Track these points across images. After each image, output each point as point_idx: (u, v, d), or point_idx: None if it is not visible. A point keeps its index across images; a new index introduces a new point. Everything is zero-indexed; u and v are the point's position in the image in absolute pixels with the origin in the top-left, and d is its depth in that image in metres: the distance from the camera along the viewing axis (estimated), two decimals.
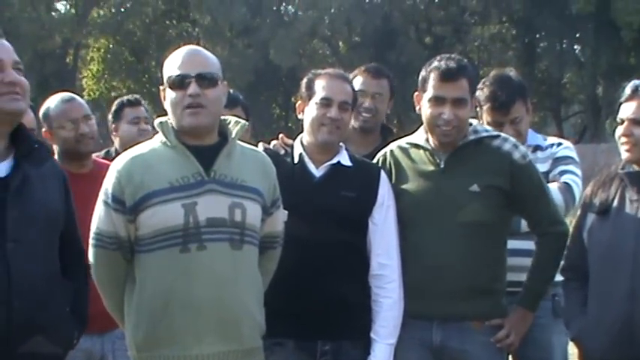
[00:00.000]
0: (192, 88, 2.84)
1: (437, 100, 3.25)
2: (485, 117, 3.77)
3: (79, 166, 3.74)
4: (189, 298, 2.79)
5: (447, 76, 3.24)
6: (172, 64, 2.91)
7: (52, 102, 3.83)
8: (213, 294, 2.80)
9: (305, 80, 3.35)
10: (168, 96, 2.89)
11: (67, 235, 2.74)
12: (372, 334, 3.24)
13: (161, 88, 2.96)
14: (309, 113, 3.28)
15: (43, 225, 2.59)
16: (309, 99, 3.29)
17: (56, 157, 3.67)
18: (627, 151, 3.04)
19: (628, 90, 3.06)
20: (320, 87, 3.27)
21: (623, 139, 3.05)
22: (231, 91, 3.79)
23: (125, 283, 2.93)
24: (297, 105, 3.40)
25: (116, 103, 4.55)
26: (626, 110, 3.04)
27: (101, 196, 2.90)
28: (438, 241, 3.24)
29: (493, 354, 3.28)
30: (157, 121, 2.94)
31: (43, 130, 3.80)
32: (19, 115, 2.58)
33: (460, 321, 3.24)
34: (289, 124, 37.47)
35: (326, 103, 3.23)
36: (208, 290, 2.80)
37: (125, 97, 4.58)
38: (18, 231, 2.49)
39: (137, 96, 4.64)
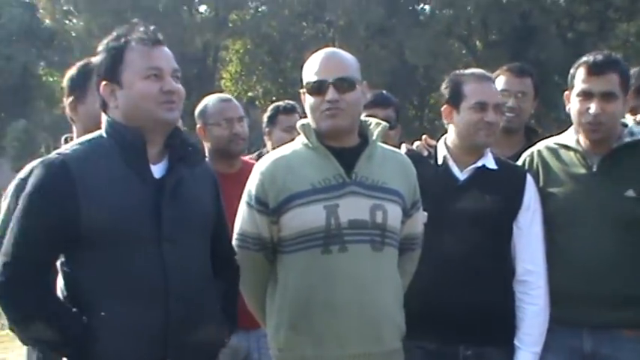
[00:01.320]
0: (330, 93, 2.83)
1: (585, 95, 3.14)
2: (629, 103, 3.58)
3: (228, 165, 3.82)
4: (330, 300, 2.79)
5: (595, 70, 3.11)
6: (310, 70, 2.91)
7: (210, 100, 3.94)
8: (354, 295, 2.79)
9: (448, 84, 3.28)
10: (308, 101, 2.90)
11: (218, 235, 2.78)
12: (516, 342, 3.16)
13: (301, 91, 2.96)
14: (462, 118, 3.21)
15: (196, 225, 2.64)
16: (458, 103, 3.21)
17: (207, 155, 3.75)
18: None
19: None
20: (471, 91, 3.20)
21: None
22: (384, 92, 3.81)
23: (267, 283, 2.95)
24: (442, 109, 3.32)
25: (271, 108, 4.65)
26: None
27: (244, 198, 2.94)
28: (590, 246, 3.12)
29: None
30: (298, 124, 2.96)
31: (198, 126, 3.90)
32: (173, 124, 2.62)
33: (613, 329, 3.12)
34: (424, 124, 37.23)
35: (481, 107, 3.17)
36: (350, 292, 2.79)
37: (281, 104, 4.66)
38: (173, 231, 2.54)
39: (292, 103, 4.70)
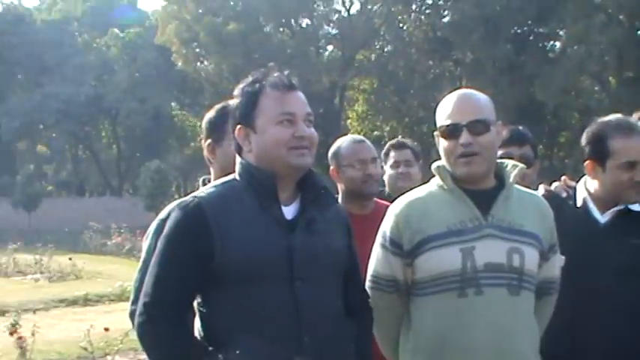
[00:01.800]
0: (464, 137, 2.79)
1: None
2: None
3: (361, 206, 3.80)
4: (466, 344, 2.72)
5: None
6: (444, 113, 2.87)
7: (343, 142, 3.96)
8: (490, 340, 2.72)
9: (591, 137, 3.18)
10: (442, 144, 2.86)
11: (350, 276, 2.76)
12: None
13: (435, 134, 2.92)
14: (608, 176, 3.12)
15: (327, 264, 2.63)
16: (604, 160, 3.12)
17: (340, 197, 3.76)
18: None
19: None
20: (618, 148, 3.09)
21: None
22: (521, 127, 3.72)
23: (401, 326, 2.91)
24: (585, 164, 3.20)
25: (386, 146, 4.64)
26: None
27: (379, 239, 2.92)
28: None
29: None
30: (434, 166, 2.92)
31: (331, 167, 3.91)
32: (305, 169, 2.64)
33: None
34: (554, 163, 36.37)
35: (632, 165, 3.07)
36: (486, 336, 2.71)
37: (393, 141, 4.65)
38: (304, 269, 2.54)
39: (404, 140, 4.70)
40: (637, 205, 3.13)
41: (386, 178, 4.47)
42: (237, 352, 2.48)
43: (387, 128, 39.72)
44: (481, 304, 2.73)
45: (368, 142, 3.99)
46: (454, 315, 2.75)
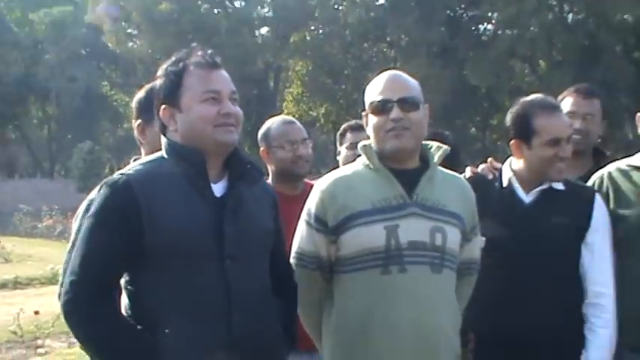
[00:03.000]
0: (395, 112, 2.85)
1: None
2: None
3: (292, 187, 3.84)
4: (389, 321, 2.79)
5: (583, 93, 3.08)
6: (374, 90, 2.92)
7: (273, 123, 3.98)
8: (412, 317, 2.78)
9: (515, 116, 3.24)
10: (371, 121, 2.91)
11: (277, 254, 2.80)
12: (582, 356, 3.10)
13: (363, 114, 2.98)
14: (534, 154, 3.18)
15: (256, 243, 2.67)
16: (528, 138, 3.18)
17: (270, 177, 3.78)
18: None
19: None
20: (542, 126, 3.16)
21: None
22: (440, 131, 3.81)
23: (323, 303, 2.95)
24: (510, 144, 3.28)
25: (342, 127, 4.67)
26: None
27: (304, 216, 2.95)
28: None
29: None
30: (360, 145, 2.97)
31: (261, 148, 3.94)
32: (231, 146, 2.66)
33: None
34: (487, 145, 36.92)
35: (556, 142, 3.14)
36: (408, 313, 2.78)
37: (351, 122, 4.68)
38: (234, 248, 2.57)
39: (361, 122, 4.74)
40: (560, 184, 3.21)
41: (341, 158, 4.49)
42: (167, 330, 2.49)
43: (322, 110, 39.76)
44: (405, 282, 2.79)
45: (298, 123, 4.03)
46: (378, 292, 2.80)
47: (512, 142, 3.24)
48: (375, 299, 2.80)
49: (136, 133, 3.32)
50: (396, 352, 2.80)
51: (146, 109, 3.21)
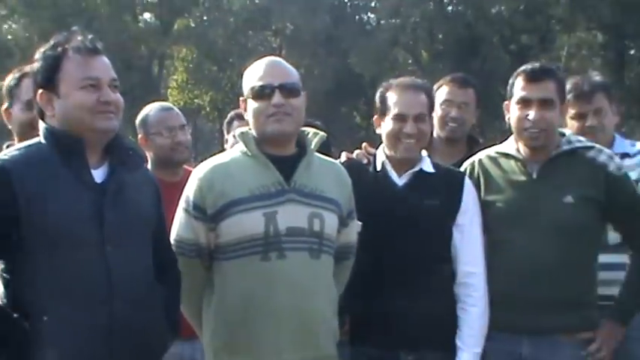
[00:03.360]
0: (277, 97, 2.88)
1: (523, 102, 3.24)
2: (569, 111, 3.70)
3: (172, 174, 3.82)
4: (268, 306, 2.82)
5: (532, 77, 3.22)
6: (254, 76, 2.95)
7: (151, 110, 3.94)
8: (292, 302, 2.83)
9: (378, 93, 3.33)
10: (251, 106, 2.94)
11: (159, 241, 2.79)
12: (458, 342, 3.21)
13: (241, 99, 2.99)
14: (385, 128, 3.27)
15: (138, 229, 2.66)
16: (385, 113, 3.27)
17: (150, 164, 3.75)
18: None
19: None
20: (393, 101, 3.25)
21: None
22: (318, 122, 3.86)
23: (203, 291, 2.96)
24: (374, 119, 3.37)
25: (229, 115, 4.65)
26: None
27: (182, 204, 2.95)
28: (531, 252, 3.20)
29: None
30: (237, 131, 2.99)
31: (139, 136, 3.90)
32: (111, 133, 2.64)
33: (550, 334, 3.20)
34: (371, 133, 37.43)
35: (401, 118, 3.22)
36: (287, 298, 2.83)
37: (237, 110, 4.67)
38: (115, 234, 2.56)
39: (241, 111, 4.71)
40: (431, 167, 3.30)
41: (228, 147, 4.48)
42: (45, 318, 2.46)
43: (207, 98, 39.39)
44: (284, 267, 2.84)
45: (176, 109, 4.02)
46: (257, 278, 2.83)
47: (375, 117, 3.33)
48: (254, 286, 2.83)
49: (4, 117, 3.26)
50: (276, 338, 2.84)
51: (13, 94, 3.16)
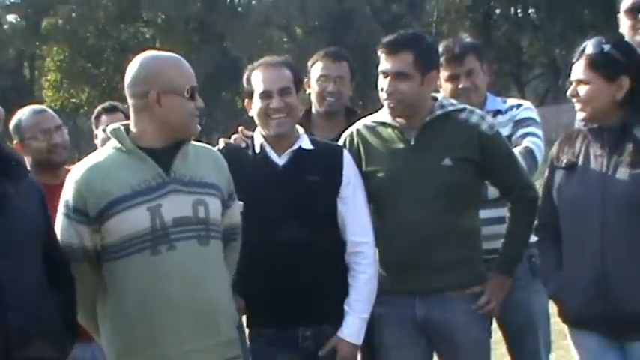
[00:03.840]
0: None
1: (382, 74, 3.29)
2: (442, 74, 3.74)
3: (52, 176, 3.71)
4: (165, 299, 2.80)
5: (389, 49, 3.26)
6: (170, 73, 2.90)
7: (23, 114, 3.82)
8: (188, 291, 2.81)
9: (245, 77, 3.34)
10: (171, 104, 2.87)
11: (50, 247, 2.73)
12: (346, 307, 3.25)
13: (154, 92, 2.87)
14: (254, 108, 3.28)
15: (27, 238, 2.59)
16: (252, 94, 3.29)
17: (29, 168, 3.65)
18: (580, 110, 3.09)
19: (578, 51, 3.11)
20: (257, 80, 3.27)
21: (574, 100, 3.10)
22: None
23: (96, 293, 2.91)
24: (245, 103, 3.37)
25: (96, 110, 4.54)
26: (574, 71, 3.08)
27: (61, 209, 2.87)
28: (415, 217, 3.26)
29: (477, 320, 3.33)
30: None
31: (15, 142, 3.78)
32: None
33: (441, 292, 3.28)
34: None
35: (266, 95, 3.24)
36: (183, 288, 2.81)
37: (104, 104, 4.56)
38: (4, 245, 2.49)
39: (115, 103, 4.60)
40: (309, 144, 3.32)
41: (99, 142, 4.37)
42: None
43: (85, 96, 38.50)
44: (175, 259, 2.81)
45: (49, 110, 3.91)
46: (150, 273, 2.80)
47: (246, 101, 3.35)
48: (148, 281, 2.80)
49: None
50: (177, 329, 2.81)
51: None
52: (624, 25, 3.56)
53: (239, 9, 36.66)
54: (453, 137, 3.31)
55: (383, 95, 3.29)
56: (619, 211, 2.97)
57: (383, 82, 3.28)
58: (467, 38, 4.01)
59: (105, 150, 2.93)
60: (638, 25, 3.50)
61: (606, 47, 3.03)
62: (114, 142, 2.89)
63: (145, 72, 2.86)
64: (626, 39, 3.41)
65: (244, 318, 3.33)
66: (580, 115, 3.11)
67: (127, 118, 4.47)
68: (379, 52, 3.29)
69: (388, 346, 3.35)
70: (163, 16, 35.39)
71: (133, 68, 2.89)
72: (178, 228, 2.82)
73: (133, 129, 2.90)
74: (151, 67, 2.88)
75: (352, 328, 3.23)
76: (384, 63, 3.26)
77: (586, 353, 3.16)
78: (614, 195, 2.98)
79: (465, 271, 3.32)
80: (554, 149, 3.25)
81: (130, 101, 2.91)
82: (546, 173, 3.29)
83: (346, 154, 3.35)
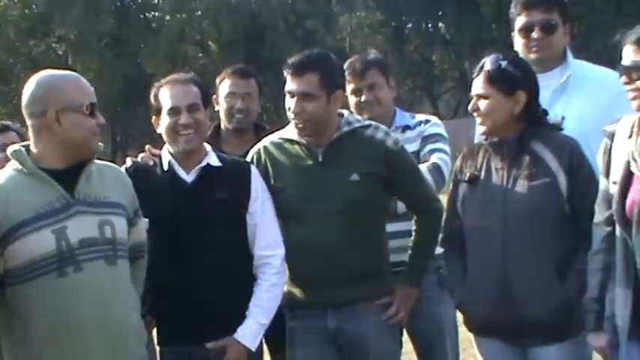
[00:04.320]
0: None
1: (289, 94, 3.33)
2: (347, 88, 3.79)
3: None
4: (74, 321, 2.76)
5: (293, 71, 3.31)
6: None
7: None
8: (96, 312, 2.78)
9: (152, 94, 3.34)
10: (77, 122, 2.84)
11: None
12: (246, 313, 3.26)
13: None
14: (162, 125, 3.28)
15: None
16: (160, 111, 3.29)
17: None
18: (480, 124, 3.19)
19: (477, 67, 3.21)
20: (165, 97, 3.28)
21: (475, 114, 3.19)
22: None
23: (1, 319, 2.84)
24: (153, 120, 3.36)
25: None
26: (474, 86, 3.18)
27: None
28: (324, 232, 3.31)
29: (388, 331, 3.41)
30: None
31: None
32: None
33: (352, 305, 3.33)
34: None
35: (174, 111, 3.24)
36: (91, 309, 2.77)
37: (3, 122, 4.44)
38: None
39: (7, 122, 4.50)
40: (217, 161, 3.33)
41: None
42: None
43: None
44: (82, 280, 2.77)
45: None
46: (58, 295, 2.75)
47: (154, 119, 3.34)
48: (56, 303, 2.75)
49: None
50: (87, 352, 2.78)
51: None
52: (518, 43, 3.69)
53: (153, 24, 36.24)
54: (359, 153, 3.37)
55: (290, 115, 3.33)
56: (519, 222, 3.07)
57: (290, 102, 3.32)
58: (372, 54, 4.09)
59: (5, 172, 2.86)
60: (530, 43, 3.62)
61: (503, 63, 3.13)
62: (14, 164, 2.83)
63: (42, 91, 2.82)
64: (521, 56, 3.52)
65: (155, 335, 3.31)
66: (481, 129, 3.20)
67: (20, 137, 4.39)
68: (285, 73, 3.33)
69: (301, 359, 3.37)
70: (76, 32, 34.74)
71: (29, 88, 2.84)
72: (85, 249, 2.79)
73: (33, 149, 2.85)
74: (47, 85, 2.83)
75: (247, 332, 3.25)
76: (290, 84, 3.31)
77: (491, 357, 3.26)
78: (514, 207, 3.09)
79: (373, 283, 3.38)
80: (457, 163, 3.35)
81: (28, 122, 2.85)
82: (450, 186, 3.37)
83: (254, 170, 3.37)
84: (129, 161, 3.43)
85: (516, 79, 3.13)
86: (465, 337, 3.61)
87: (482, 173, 3.21)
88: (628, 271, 2.75)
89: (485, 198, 3.17)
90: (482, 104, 3.14)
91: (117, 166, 3.16)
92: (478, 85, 3.15)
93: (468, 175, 3.23)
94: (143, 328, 3.01)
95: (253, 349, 3.26)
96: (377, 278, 3.39)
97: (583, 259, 3.00)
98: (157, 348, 3.36)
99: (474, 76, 3.20)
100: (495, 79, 3.12)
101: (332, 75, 3.37)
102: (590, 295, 2.90)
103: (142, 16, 36.62)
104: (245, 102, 3.99)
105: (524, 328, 3.09)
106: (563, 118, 3.30)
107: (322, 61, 3.38)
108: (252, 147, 3.60)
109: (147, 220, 3.10)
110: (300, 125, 3.31)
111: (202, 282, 3.20)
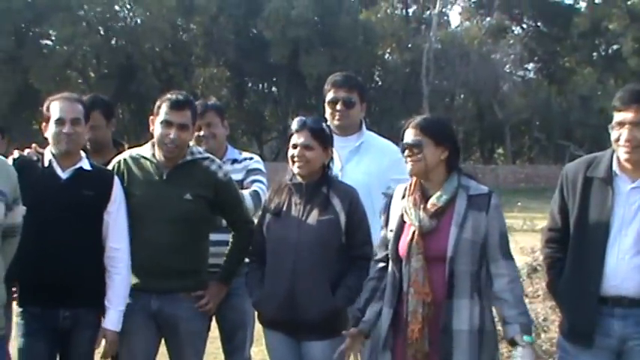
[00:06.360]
0: None
1: (167, 124, 3.30)
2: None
3: None
4: None
5: (175, 106, 3.29)
6: None
7: None
8: None
9: (45, 105, 3.25)
10: None
11: None
12: (106, 303, 3.22)
13: None
14: (50, 130, 3.21)
15: None
16: (49, 120, 3.21)
17: None
18: (298, 168, 3.23)
19: (299, 123, 3.27)
20: (55, 109, 3.20)
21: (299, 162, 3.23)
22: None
23: None
24: (42, 126, 3.26)
25: None
26: (293, 139, 3.24)
27: None
28: (158, 235, 3.29)
29: (197, 316, 3.40)
30: None
31: None
32: None
33: (173, 293, 3.32)
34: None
35: (60, 121, 3.17)
36: None
37: None
38: None
39: None
40: (89, 165, 3.27)
41: None
42: None
43: None
44: None
45: None
46: None
47: (43, 125, 3.25)
48: None
49: None
50: None
51: None
52: (327, 112, 3.81)
53: (44, 50, 34.31)
54: (195, 178, 3.38)
55: (164, 140, 3.30)
56: (309, 247, 3.17)
57: (169, 131, 3.28)
58: (212, 100, 4.13)
59: None
60: (335, 113, 3.77)
61: (324, 124, 3.29)
62: None
63: None
64: (328, 123, 3.63)
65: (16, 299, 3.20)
66: (297, 171, 3.24)
67: None
68: (164, 106, 3.30)
69: (127, 331, 3.30)
70: None
71: None
72: None
73: None
74: None
75: (113, 319, 3.22)
76: (171, 116, 3.28)
77: (274, 346, 3.33)
78: (306, 234, 3.18)
79: (192, 278, 3.38)
80: (267, 196, 3.42)
81: None
82: (260, 214, 3.44)
83: (116, 178, 3.33)
84: (16, 153, 3.32)
85: (329, 138, 3.28)
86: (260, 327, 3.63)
87: (285, 207, 3.27)
88: (393, 295, 2.89)
89: (284, 226, 3.24)
90: (308, 153, 3.20)
91: (6, 160, 3.03)
92: (300, 141, 3.21)
93: (273, 207, 3.30)
94: (4, 290, 2.88)
95: (119, 330, 3.23)
96: (195, 275, 3.38)
97: (352, 278, 3.14)
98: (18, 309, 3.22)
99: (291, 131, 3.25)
100: (316, 135, 3.22)
101: (196, 114, 3.45)
102: (356, 306, 3.03)
103: (37, 41, 34.60)
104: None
105: (301, 327, 3.17)
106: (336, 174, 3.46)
107: (193, 102, 3.44)
108: (112, 158, 3.53)
109: (24, 208, 2.98)
110: (173, 149, 3.31)
111: (58, 258, 3.11)
